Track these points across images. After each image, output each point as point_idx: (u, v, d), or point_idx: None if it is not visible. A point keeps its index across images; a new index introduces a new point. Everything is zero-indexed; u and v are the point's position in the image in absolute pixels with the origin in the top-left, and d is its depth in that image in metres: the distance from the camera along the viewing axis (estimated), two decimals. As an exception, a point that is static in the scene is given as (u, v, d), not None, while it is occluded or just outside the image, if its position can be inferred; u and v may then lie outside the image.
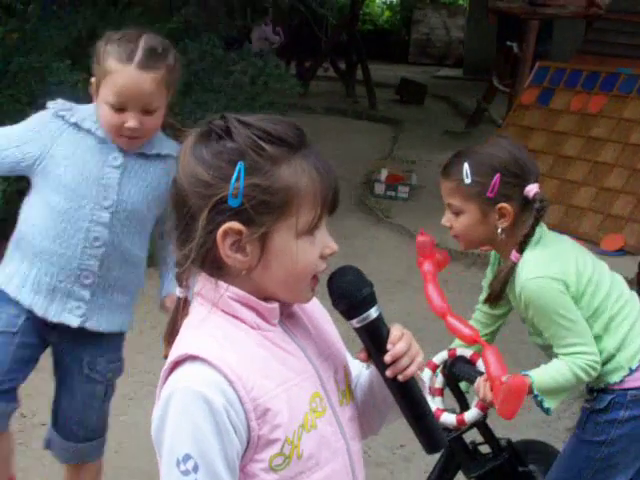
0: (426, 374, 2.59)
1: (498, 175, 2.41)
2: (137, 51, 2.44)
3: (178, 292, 1.51)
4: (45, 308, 2.62)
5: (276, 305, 1.47)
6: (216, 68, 7.62)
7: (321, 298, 1.58)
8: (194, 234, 1.41)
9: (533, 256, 2.43)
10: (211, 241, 1.40)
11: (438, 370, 2.64)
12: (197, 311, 1.48)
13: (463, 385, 2.67)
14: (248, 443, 1.40)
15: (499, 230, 2.45)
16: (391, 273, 6.50)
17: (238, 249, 1.41)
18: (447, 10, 23.13)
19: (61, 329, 2.66)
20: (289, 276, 1.44)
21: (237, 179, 1.37)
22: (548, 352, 2.56)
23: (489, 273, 2.68)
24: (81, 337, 2.67)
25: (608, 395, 2.50)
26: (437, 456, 2.77)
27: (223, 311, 1.45)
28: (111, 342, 2.76)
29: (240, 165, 1.37)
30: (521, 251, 2.44)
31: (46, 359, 2.84)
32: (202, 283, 1.46)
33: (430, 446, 1.54)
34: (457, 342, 2.67)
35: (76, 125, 2.55)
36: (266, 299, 1.47)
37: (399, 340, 1.49)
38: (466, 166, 2.43)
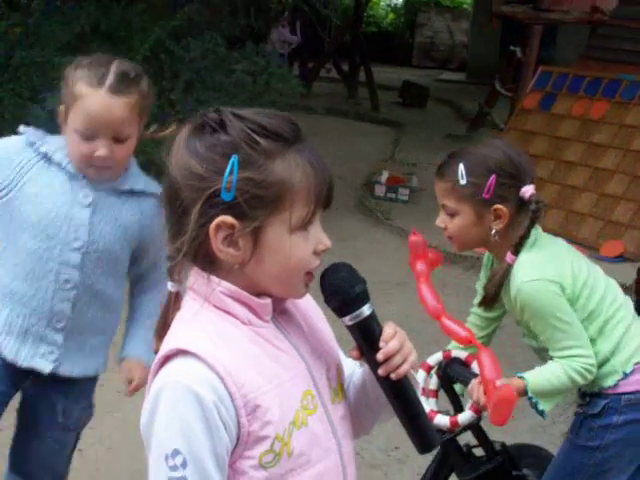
0: (420, 375, 2.58)
1: (494, 176, 2.39)
2: (108, 75, 2.30)
3: (170, 286, 1.50)
4: (16, 351, 2.47)
5: (268, 301, 1.46)
6: (218, 66, 7.60)
7: (315, 296, 1.57)
8: (186, 227, 1.40)
9: (529, 258, 2.41)
10: (203, 235, 1.39)
11: (433, 371, 2.62)
12: (189, 305, 1.46)
13: (458, 388, 2.66)
14: (238, 440, 1.39)
15: (493, 231, 2.43)
16: (390, 275, 6.49)
17: (230, 243, 1.39)
18: (451, 14, 23.13)
19: (33, 374, 2.51)
20: (282, 271, 1.43)
21: (230, 172, 1.36)
22: (542, 355, 2.55)
23: (483, 276, 2.67)
24: (54, 382, 2.53)
25: (602, 400, 2.49)
26: (431, 458, 2.77)
27: (215, 306, 1.44)
28: (84, 387, 2.62)
29: (234, 158, 1.36)
30: (516, 253, 2.42)
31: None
32: (194, 277, 1.45)
33: (422, 446, 1.53)
34: (453, 344, 2.66)
35: (47, 158, 2.41)
36: (260, 294, 1.46)
37: (392, 338, 1.47)
38: (461, 167, 2.42)
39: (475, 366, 2.47)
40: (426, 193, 8.73)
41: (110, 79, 2.29)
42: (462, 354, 2.57)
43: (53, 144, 2.43)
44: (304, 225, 1.42)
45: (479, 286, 2.67)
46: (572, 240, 7.11)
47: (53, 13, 7.26)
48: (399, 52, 22.23)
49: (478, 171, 2.41)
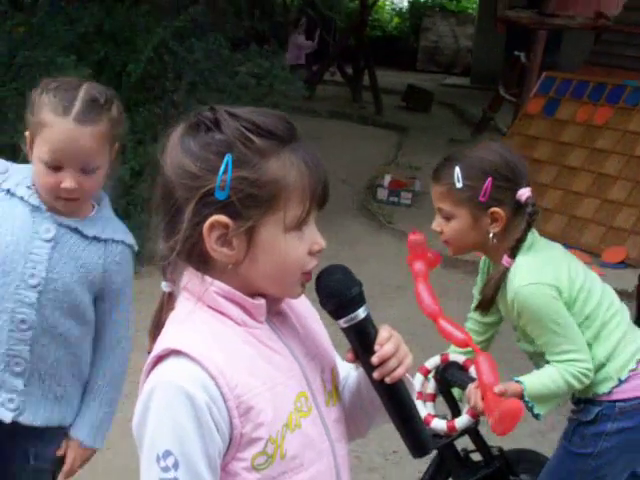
0: (418, 379, 2.56)
1: (490, 179, 2.38)
2: (75, 102, 2.13)
3: (163, 286, 1.49)
4: None
5: (263, 302, 1.45)
6: (221, 68, 7.60)
7: (310, 298, 1.56)
8: (180, 226, 1.39)
9: (525, 262, 2.40)
10: (197, 234, 1.38)
11: (430, 375, 2.60)
12: (183, 305, 1.45)
13: (456, 392, 2.64)
14: (230, 441, 1.38)
15: (490, 235, 2.42)
16: (392, 278, 6.48)
17: (224, 243, 1.38)
18: (456, 18, 23.12)
19: None
20: (277, 271, 1.42)
21: (224, 171, 1.35)
22: (535, 360, 2.54)
23: (479, 281, 2.65)
24: (22, 429, 2.35)
25: (595, 407, 2.47)
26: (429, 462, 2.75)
27: (209, 306, 1.43)
28: (54, 433, 2.41)
29: (228, 157, 1.35)
30: (513, 256, 2.41)
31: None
32: (188, 277, 1.44)
33: (416, 450, 1.51)
34: (453, 348, 2.64)
35: (9, 192, 2.27)
36: (255, 295, 1.45)
37: (387, 341, 1.46)
38: (457, 170, 2.40)
39: (473, 370, 2.45)
40: (429, 197, 8.58)
41: (77, 107, 2.13)
42: (460, 358, 2.56)
43: (17, 176, 2.30)
44: (299, 225, 1.41)
45: (476, 291, 2.65)
46: (574, 246, 7.11)
47: (57, 13, 7.27)
48: (403, 56, 22.21)
49: (474, 174, 2.39)
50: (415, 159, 10.78)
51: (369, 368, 1.47)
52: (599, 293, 2.48)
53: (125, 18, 7.29)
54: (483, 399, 2.32)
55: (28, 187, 2.28)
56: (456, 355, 2.58)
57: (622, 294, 2.61)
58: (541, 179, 7.96)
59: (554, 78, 9.01)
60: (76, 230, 2.28)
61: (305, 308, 1.59)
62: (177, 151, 1.40)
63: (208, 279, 1.41)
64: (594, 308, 2.44)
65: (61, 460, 2.45)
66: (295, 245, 1.41)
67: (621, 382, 2.44)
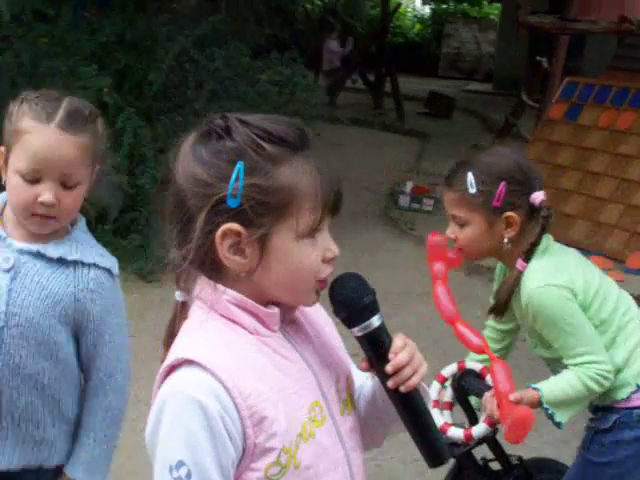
0: (434, 387, 2.54)
1: (504, 183, 2.37)
2: (59, 110, 1.99)
3: (177, 295, 1.48)
4: None
5: (276, 310, 1.44)
6: (242, 76, 7.63)
7: (324, 306, 1.54)
8: (192, 235, 1.38)
9: (539, 265, 2.38)
10: (209, 242, 1.37)
11: (447, 383, 2.58)
12: (196, 315, 1.45)
13: (474, 401, 2.61)
14: (244, 451, 1.37)
15: (505, 240, 2.40)
16: (413, 285, 6.45)
17: (237, 251, 1.38)
18: (478, 24, 23.04)
19: None
20: (290, 279, 1.41)
21: (236, 179, 1.34)
22: (552, 366, 2.51)
23: (495, 287, 2.63)
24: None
25: (613, 415, 2.44)
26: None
27: (222, 315, 1.42)
28: (37, 475, 2.21)
29: (239, 165, 1.35)
30: (527, 260, 2.39)
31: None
32: (201, 286, 1.43)
33: (432, 459, 1.50)
34: (471, 356, 2.62)
35: None
36: (269, 303, 1.44)
37: (401, 350, 1.45)
38: (470, 176, 2.39)
39: (490, 378, 2.43)
40: (450, 204, 8.68)
41: (61, 114, 1.99)
42: (477, 366, 2.53)
43: None
44: (311, 232, 1.40)
45: (492, 298, 2.63)
46: (598, 252, 7.05)
47: (79, 23, 7.32)
48: (425, 63, 22.17)
49: (487, 179, 2.38)
50: (437, 166, 10.72)
51: (383, 377, 1.46)
52: (615, 298, 2.45)
53: (146, 27, 7.33)
54: (499, 407, 2.30)
55: None
56: (473, 363, 2.55)
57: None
58: (564, 185, 7.91)
59: (576, 83, 8.95)
60: (38, 255, 2.07)
61: (320, 316, 1.58)
62: (189, 159, 1.40)
63: (221, 287, 1.40)
64: (610, 313, 2.41)
65: None
66: (308, 252, 1.40)
67: (639, 387, 2.41)
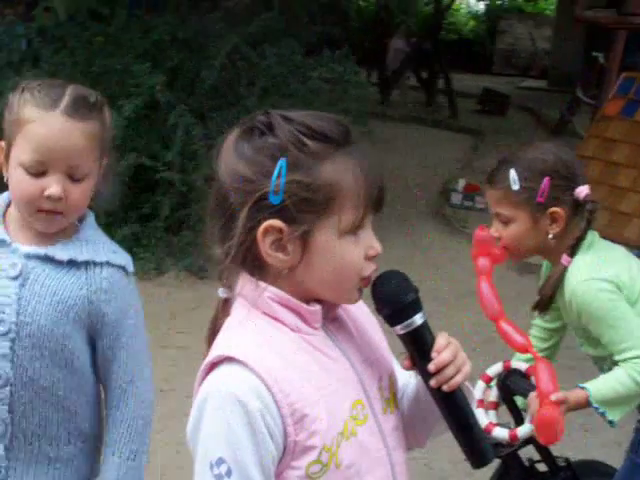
0: (479, 386, 2.50)
1: (547, 179, 2.34)
2: (64, 97, 1.86)
3: (219, 292, 1.48)
4: None
5: (318, 308, 1.43)
6: (294, 73, 7.63)
7: (367, 304, 1.53)
8: (234, 231, 1.38)
9: (584, 260, 2.35)
10: (251, 239, 1.37)
11: (493, 383, 2.54)
12: (237, 312, 1.44)
13: (520, 401, 2.57)
14: (284, 449, 1.36)
15: (550, 236, 2.36)
16: (466, 283, 6.38)
17: (279, 248, 1.37)
18: (533, 20, 22.77)
19: None
20: (332, 276, 1.40)
21: (278, 175, 1.34)
22: (599, 364, 2.46)
23: (540, 284, 2.59)
24: None
25: None
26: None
27: (263, 312, 1.41)
28: None
29: (282, 161, 1.34)
30: (572, 255, 2.35)
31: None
32: (242, 283, 1.43)
33: (475, 460, 1.48)
34: (518, 355, 2.58)
35: None
36: (311, 300, 1.43)
37: (444, 349, 1.43)
38: (513, 172, 2.36)
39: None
40: (504, 201, 8.59)
41: (66, 100, 1.86)
42: (522, 365, 2.49)
43: None
44: (354, 229, 1.38)
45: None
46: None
47: (133, 22, 7.40)
48: (479, 59, 21.98)
49: (530, 175, 2.35)
50: (490, 163, 10.62)
51: (426, 376, 1.44)
52: None
53: (199, 25, 7.38)
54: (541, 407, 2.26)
55: None
56: (519, 362, 2.51)
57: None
58: (620, 182, 7.78)
59: (633, 79, 8.79)
60: (47, 258, 1.93)
61: (363, 314, 1.57)
62: (231, 156, 1.40)
63: (262, 284, 1.40)
64: None
65: None
66: (350, 250, 1.39)
67: None
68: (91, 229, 2.02)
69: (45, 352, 1.92)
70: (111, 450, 2.02)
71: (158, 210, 6.61)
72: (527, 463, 2.62)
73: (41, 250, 1.93)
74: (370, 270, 1.43)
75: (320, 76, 8.14)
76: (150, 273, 6.29)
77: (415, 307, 1.43)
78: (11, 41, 7.24)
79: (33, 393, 1.94)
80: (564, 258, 2.36)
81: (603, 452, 3.80)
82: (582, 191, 2.36)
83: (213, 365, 1.38)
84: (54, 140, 1.84)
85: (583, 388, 2.32)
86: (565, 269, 2.36)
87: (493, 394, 2.54)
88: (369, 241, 1.42)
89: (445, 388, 1.42)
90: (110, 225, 5.86)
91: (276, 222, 1.35)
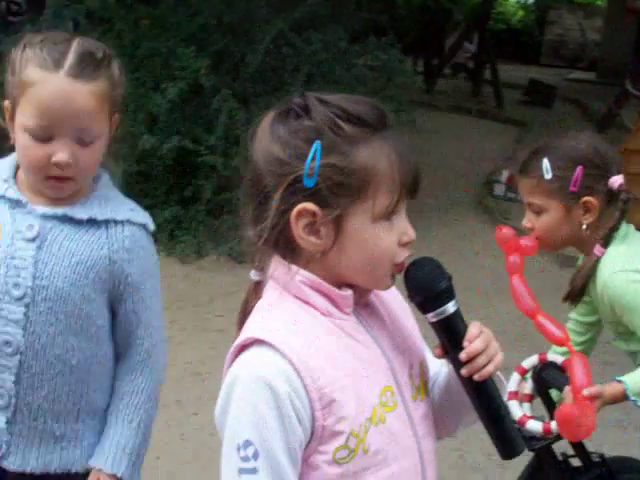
0: (514, 378, 2.48)
1: (580, 168, 2.30)
2: (68, 55, 1.74)
3: (252, 274, 1.48)
4: None
5: (350, 293, 1.42)
6: (339, 60, 7.60)
7: (400, 290, 1.52)
8: (267, 214, 1.37)
9: (617, 251, 2.31)
10: (284, 222, 1.36)
11: (528, 375, 2.52)
12: (269, 294, 1.44)
13: (554, 394, 2.55)
14: (312, 433, 1.36)
15: (584, 226, 2.33)
16: (505, 275, 6.34)
17: (312, 231, 1.36)
18: (583, 11, 22.48)
19: None
20: (365, 261, 1.39)
21: (313, 158, 1.33)
22: (633, 358, 2.42)
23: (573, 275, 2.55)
24: (9, 477, 1.92)
25: None
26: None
27: (295, 296, 1.41)
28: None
29: (316, 144, 1.33)
30: (606, 245, 2.32)
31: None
32: (274, 265, 1.42)
33: (504, 451, 1.47)
34: (554, 348, 2.55)
35: None
36: (343, 285, 1.42)
37: (476, 338, 1.41)
38: (545, 161, 2.33)
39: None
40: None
41: (70, 59, 1.74)
42: (559, 358, 2.45)
43: None
44: (388, 215, 1.37)
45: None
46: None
47: (179, 5, 7.42)
48: (527, 50, 21.76)
49: (563, 164, 2.32)
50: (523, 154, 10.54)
51: (457, 364, 1.43)
52: None
53: (245, 10, 7.37)
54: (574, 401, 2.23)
55: (5, 180, 1.89)
56: (555, 355, 2.48)
57: None
58: (666, 177, 7.67)
59: (684, 73, 8.66)
60: (65, 218, 1.84)
61: (396, 301, 1.55)
62: (266, 138, 1.39)
63: (294, 268, 1.39)
64: None
65: None
66: (384, 235, 1.38)
67: None
68: (107, 188, 1.93)
69: (61, 316, 1.83)
70: (114, 419, 1.92)
71: (200, 194, 6.63)
72: (561, 457, 2.59)
73: (59, 210, 1.84)
74: (403, 256, 1.42)
75: (365, 63, 8.10)
76: (190, 256, 6.33)
77: (448, 295, 1.42)
78: (59, 23, 7.29)
79: (44, 362, 1.84)
80: (597, 249, 2.32)
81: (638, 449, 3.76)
82: (616, 181, 2.33)
83: (243, 347, 1.38)
84: (59, 104, 1.73)
85: (620, 381, 2.29)
86: (597, 260, 2.32)
87: (528, 386, 2.51)
88: (403, 227, 1.41)
89: (476, 377, 1.41)
90: (151, 207, 5.89)
91: (309, 205, 1.34)
